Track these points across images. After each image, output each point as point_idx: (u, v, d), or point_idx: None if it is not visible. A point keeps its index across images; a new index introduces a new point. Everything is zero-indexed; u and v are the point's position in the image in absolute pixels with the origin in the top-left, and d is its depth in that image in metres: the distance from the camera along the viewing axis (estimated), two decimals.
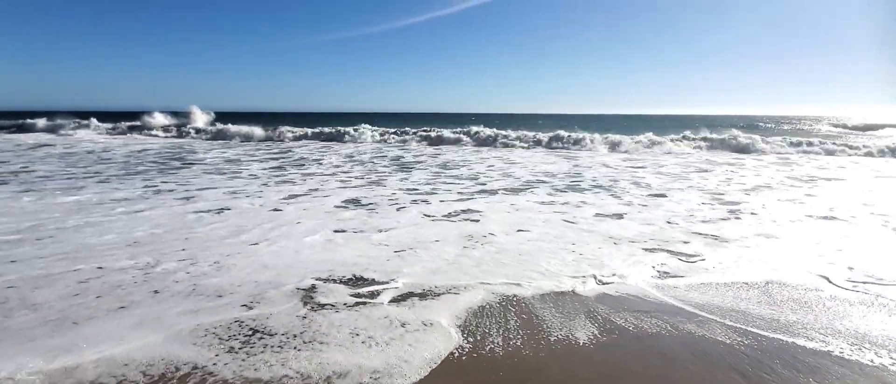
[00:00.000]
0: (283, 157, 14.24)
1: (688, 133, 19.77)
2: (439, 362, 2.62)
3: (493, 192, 8.22)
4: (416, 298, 3.50)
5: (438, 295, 3.58)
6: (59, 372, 2.47)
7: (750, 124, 54.19)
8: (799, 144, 17.22)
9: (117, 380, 2.40)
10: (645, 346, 2.86)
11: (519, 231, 5.48)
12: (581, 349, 2.82)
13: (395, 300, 3.47)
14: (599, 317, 3.23)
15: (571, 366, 2.64)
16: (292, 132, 22.23)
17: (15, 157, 13.46)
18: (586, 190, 8.55)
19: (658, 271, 4.16)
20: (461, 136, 20.34)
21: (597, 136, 19.16)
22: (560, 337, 2.95)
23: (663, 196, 7.89)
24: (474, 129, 21.30)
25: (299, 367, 2.53)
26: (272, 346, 2.76)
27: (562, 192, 8.32)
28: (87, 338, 2.83)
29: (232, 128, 23.21)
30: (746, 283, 3.88)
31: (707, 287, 3.80)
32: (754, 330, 3.05)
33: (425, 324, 3.05)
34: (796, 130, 37.25)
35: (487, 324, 3.10)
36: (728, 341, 2.91)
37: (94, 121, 26.23)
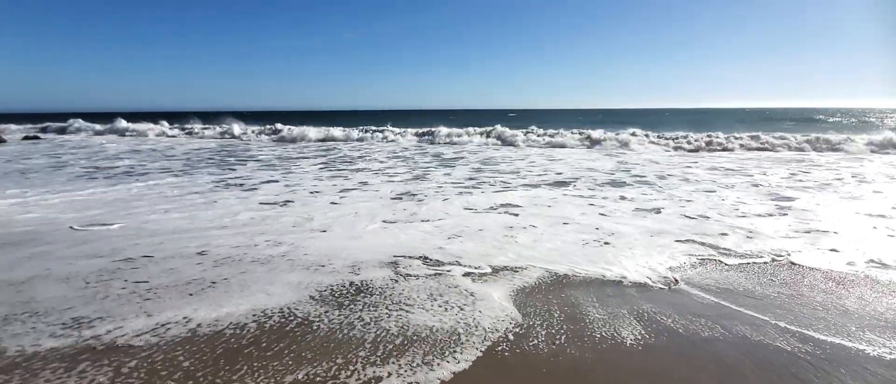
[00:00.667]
0: (330, 154, 15.02)
1: (740, 134, 18.73)
2: (501, 329, 3.02)
3: (535, 187, 8.52)
4: (476, 275, 3.93)
5: (497, 272, 4.02)
6: (211, 320, 3.10)
7: (807, 117, 50.04)
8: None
9: (235, 329, 2.94)
10: (699, 349, 2.76)
11: (564, 224, 5.74)
12: (624, 345, 2.81)
13: (463, 276, 3.93)
14: (645, 314, 3.21)
15: (616, 362, 2.64)
16: (324, 132, 22.87)
17: (90, 154, 14.92)
18: (629, 185, 8.69)
19: (706, 269, 4.14)
20: (500, 132, 20.49)
21: (643, 131, 18.96)
22: (605, 334, 2.93)
23: (713, 192, 7.92)
24: (503, 129, 21.32)
25: (387, 326, 3.00)
26: (369, 305, 3.30)
27: (601, 187, 8.50)
28: (229, 295, 3.50)
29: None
30: (803, 284, 3.76)
31: (760, 286, 3.72)
32: (814, 334, 2.91)
33: (487, 296, 3.48)
34: (866, 124, 33.95)
35: (537, 302, 3.43)
36: (788, 348, 2.76)
37: (125, 122, 27.75)
